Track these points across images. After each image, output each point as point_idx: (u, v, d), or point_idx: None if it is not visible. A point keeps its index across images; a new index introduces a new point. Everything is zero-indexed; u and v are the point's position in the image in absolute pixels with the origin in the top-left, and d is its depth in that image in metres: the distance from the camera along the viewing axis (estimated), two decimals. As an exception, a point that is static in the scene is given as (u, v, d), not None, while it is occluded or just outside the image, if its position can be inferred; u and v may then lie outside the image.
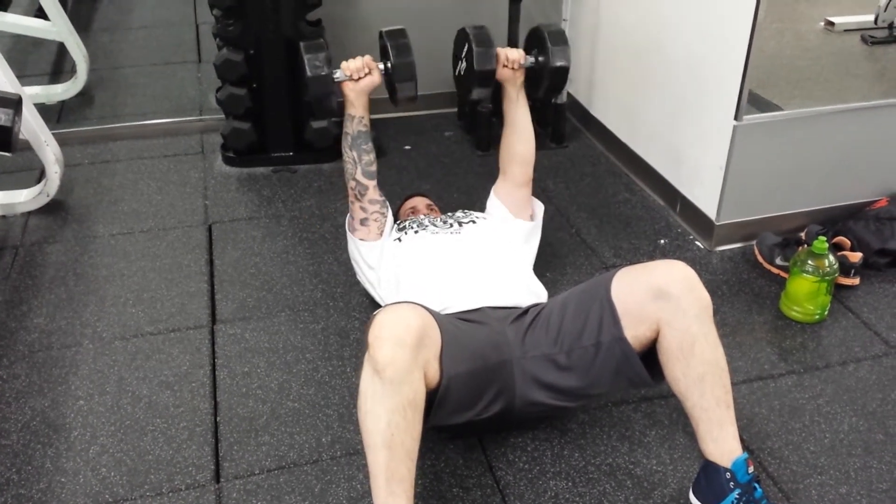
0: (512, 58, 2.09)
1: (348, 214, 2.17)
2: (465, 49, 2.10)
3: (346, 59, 2.01)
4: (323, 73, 1.96)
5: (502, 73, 2.11)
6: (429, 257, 2.02)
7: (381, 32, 2.09)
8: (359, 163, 2.06)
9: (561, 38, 2.09)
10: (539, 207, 2.28)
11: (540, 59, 2.10)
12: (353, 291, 2.29)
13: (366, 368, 1.46)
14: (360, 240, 2.14)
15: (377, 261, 2.12)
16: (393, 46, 2.03)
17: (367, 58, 2.04)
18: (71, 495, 1.70)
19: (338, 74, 2.00)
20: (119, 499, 1.69)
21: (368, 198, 2.09)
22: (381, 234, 2.13)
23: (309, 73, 1.95)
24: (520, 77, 2.13)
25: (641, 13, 2.80)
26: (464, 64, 2.12)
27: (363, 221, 2.12)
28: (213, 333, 2.17)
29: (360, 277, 2.22)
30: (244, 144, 2.98)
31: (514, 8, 3.06)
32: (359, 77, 2.02)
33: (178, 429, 1.86)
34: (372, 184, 2.09)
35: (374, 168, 2.09)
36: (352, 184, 2.10)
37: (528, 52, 2.13)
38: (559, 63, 2.07)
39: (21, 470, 1.75)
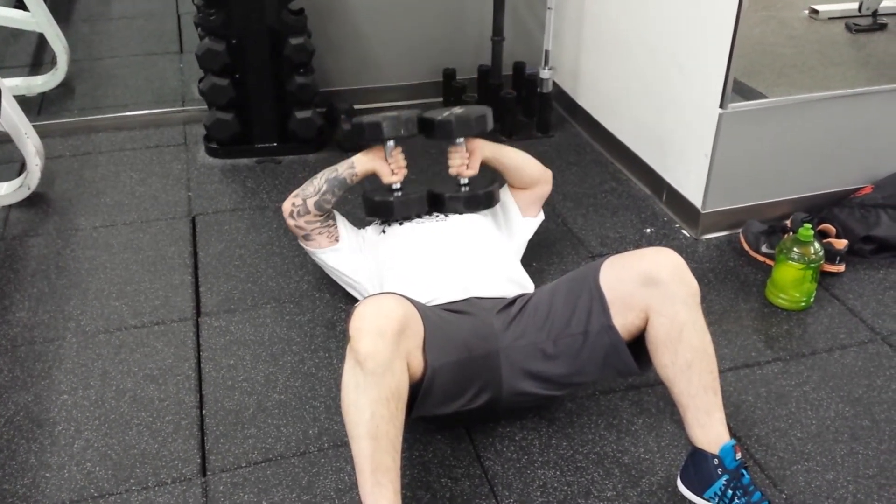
0: (459, 162, 2.10)
1: None
2: (438, 199, 2.12)
3: (394, 113, 2.05)
4: (390, 129, 2.01)
5: (473, 168, 2.11)
6: (414, 246, 2.01)
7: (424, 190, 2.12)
8: (319, 194, 2.05)
9: (441, 126, 2.08)
10: (542, 212, 2.32)
11: (458, 140, 2.09)
12: (338, 283, 2.28)
13: (348, 360, 1.46)
14: (315, 250, 2.13)
15: (347, 263, 2.12)
16: (415, 201, 2.09)
17: (405, 173, 2.09)
18: (56, 490, 1.68)
19: (390, 144, 2.05)
20: (104, 493, 1.68)
21: (305, 219, 2.07)
22: (335, 240, 2.11)
23: (382, 118, 2.02)
24: (478, 150, 2.12)
25: (627, 1, 2.80)
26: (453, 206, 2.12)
27: (306, 237, 2.12)
28: (197, 326, 2.15)
29: (340, 283, 2.21)
30: (227, 135, 2.96)
31: (498, -3, 3.06)
32: (390, 163, 2.05)
33: (163, 422, 1.85)
34: (316, 213, 2.06)
35: (328, 207, 2.07)
36: (297, 202, 2.07)
37: (445, 138, 2.11)
38: (471, 118, 2.07)
39: (5, 465, 1.73)
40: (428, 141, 2.14)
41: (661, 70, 2.62)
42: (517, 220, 2.25)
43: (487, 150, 2.14)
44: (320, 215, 2.07)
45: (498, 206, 2.23)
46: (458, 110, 2.13)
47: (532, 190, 2.26)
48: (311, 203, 2.05)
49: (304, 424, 1.84)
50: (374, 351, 1.42)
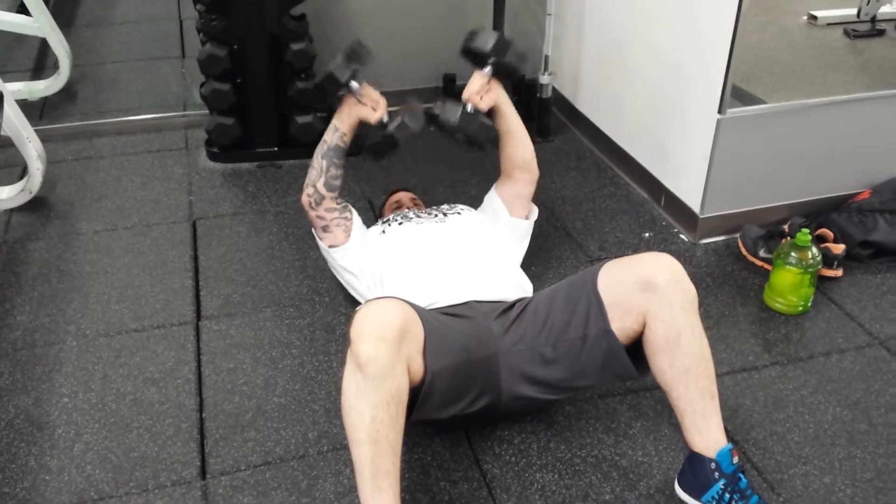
0: (476, 89, 2.04)
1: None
2: (448, 124, 2.05)
3: (337, 57, 2.00)
4: (347, 67, 1.96)
5: (486, 104, 2.06)
6: (414, 248, 2.01)
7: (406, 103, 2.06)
8: (324, 173, 2.05)
9: (485, 36, 2.05)
10: (535, 210, 2.29)
11: (491, 60, 2.05)
12: (338, 287, 2.28)
13: (348, 364, 1.46)
14: (330, 246, 2.13)
15: (354, 263, 2.11)
16: (407, 115, 2.02)
17: (384, 102, 2.04)
18: (56, 493, 1.69)
19: (354, 84, 1.99)
20: (104, 496, 1.68)
21: (325, 206, 2.08)
22: (348, 237, 2.11)
23: (337, 58, 1.96)
24: (498, 90, 2.09)
25: (626, 7, 2.81)
26: (461, 136, 2.06)
27: (325, 228, 2.11)
28: (198, 330, 2.16)
29: (342, 281, 2.21)
30: (228, 140, 2.97)
31: (499, 0, 3.06)
32: (364, 102, 2.02)
33: (163, 425, 1.85)
34: (330, 195, 2.07)
35: (338, 182, 2.07)
36: (310, 191, 2.08)
37: (477, 65, 2.08)
38: (505, 52, 2.03)
39: (5, 469, 1.74)
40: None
41: (661, 76, 2.63)
42: (505, 220, 2.22)
43: (503, 98, 2.11)
44: (335, 199, 2.07)
45: (485, 203, 2.23)
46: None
47: (516, 179, 2.21)
48: (321, 186, 2.05)
49: (303, 428, 1.85)
50: (375, 355, 1.43)
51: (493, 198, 2.25)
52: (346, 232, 2.11)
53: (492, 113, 2.11)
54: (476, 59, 2.06)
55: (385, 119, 2.03)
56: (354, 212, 2.15)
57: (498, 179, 2.27)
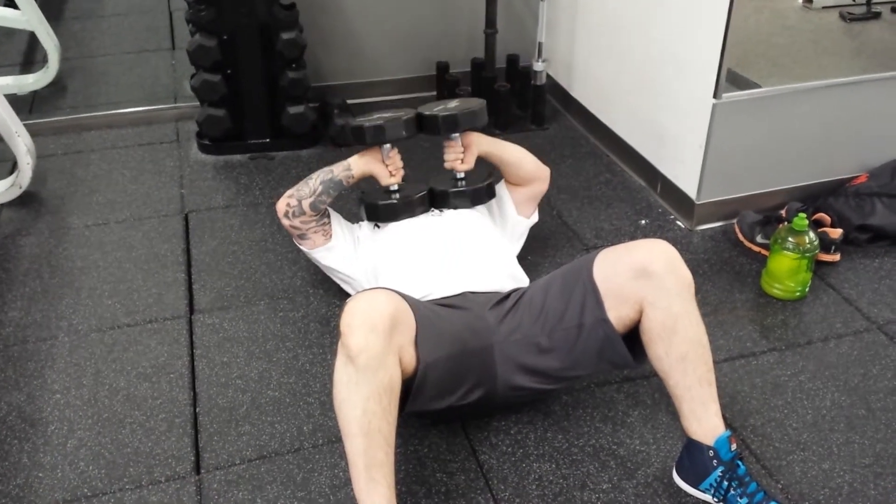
0: (454, 157, 2.08)
1: None
2: (439, 196, 2.11)
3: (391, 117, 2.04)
4: (392, 128, 2.01)
5: (469, 163, 2.09)
6: (409, 241, 2.00)
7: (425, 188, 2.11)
8: (314, 195, 2.02)
9: (447, 121, 2.06)
10: (536, 214, 2.30)
11: (452, 136, 2.08)
12: (332, 279, 2.27)
13: (339, 356, 1.45)
14: (310, 250, 2.11)
15: (341, 261, 2.10)
16: (415, 201, 2.07)
17: (402, 174, 2.08)
18: (49, 490, 1.67)
19: (388, 146, 2.04)
20: (98, 492, 1.67)
21: (301, 220, 2.04)
22: (329, 237, 2.09)
23: (367, 124, 2.01)
24: (473, 144, 2.09)
25: (619, -8, 2.79)
26: (452, 201, 2.11)
27: (302, 236, 2.09)
28: (191, 323, 2.14)
29: (334, 279, 2.20)
30: (220, 132, 2.95)
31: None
32: (387, 164, 2.04)
33: (156, 420, 1.84)
34: (311, 213, 2.03)
35: (323, 207, 2.05)
36: (292, 202, 2.03)
37: (442, 134, 2.10)
38: (465, 112, 2.06)
39: (-3, 466, 1.73)
40: (421, 135, 2.12)
41: (655, 61, 2.61)
42: (511, 216, 2.23)
43: (484, 144, 2.12)
44: (315, 215, 2.05)
45: (494, 200, 2.22)
46: (452, 104, 2.12)
47: (528, 187, 2.23)
48: (306, 204, 2.02)
49: (298, 421, 1.84)
50: (366, 346, 1.41)
51: (502, 195, 2.24)
52: (324, 235, 2.09)
53: (480, 158, 2.13)
54: (433, 130, 2.08)
55: (393, 188, 2.06)
56: (332, 211, 2.13)
57: (507, 179, 2.27)
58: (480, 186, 2.11)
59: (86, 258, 2.41)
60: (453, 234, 2.01)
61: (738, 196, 2.53)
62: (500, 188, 2.25)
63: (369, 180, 2.09)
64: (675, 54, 2.49)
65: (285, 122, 2.96)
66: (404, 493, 1.65)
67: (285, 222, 2.07)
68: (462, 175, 2.10)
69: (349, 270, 2.10)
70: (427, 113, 2.08)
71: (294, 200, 2.03)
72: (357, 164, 2.05)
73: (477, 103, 2.11)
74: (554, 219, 2.60)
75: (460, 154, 2.09)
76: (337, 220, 2.12)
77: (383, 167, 2.05)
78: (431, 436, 1.80)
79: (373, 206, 2.08)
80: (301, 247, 2.13)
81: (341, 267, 2.10)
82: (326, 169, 2.06)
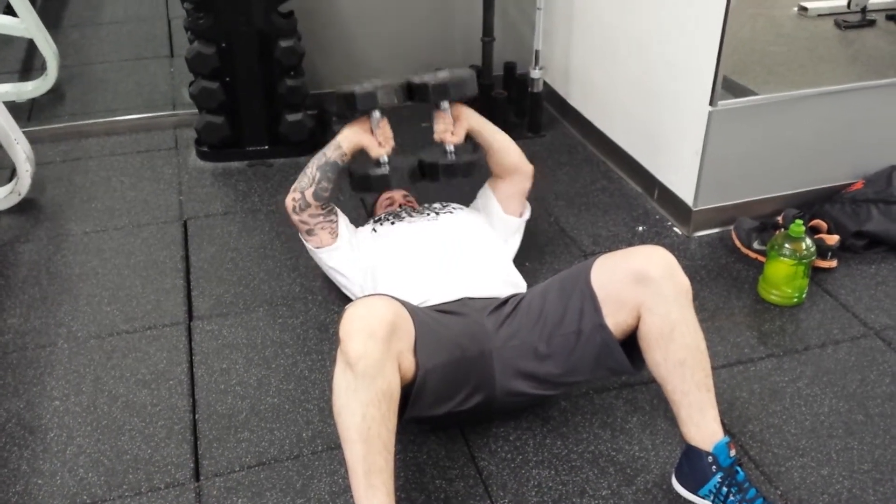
0: (444, 128, 2.03)
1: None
2: (429, 167, 2.06)
3: (372, 83, 1.98)
4: (376, 97, 1.94)
5: (459, 136, 2.05)
6: (406, 246, 2.00)
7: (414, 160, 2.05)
8: (315, 184, 2.01)
9: (437, 89, 2.02)
10: (528, 208, 2.28)
11: (442, 104, 2.03)
12: (331, 285, 2.27)
13: (338, 363, 1.45)
14: (316, 248, 2.11)
15: (344, 262, 2.10)
16: (406, 171, 2.01)
17: (392, 144, 2.03)
18: (48, 497, 1.67)
19: (376, 114, 1.98)
20: (97, 499, 1.67)
21: (308, 212, 2.04)
22: (335, 237, 2.09)
23: (371, 85, 1.95)
24: (464, 117, 2.07)
25: (616, 0, 2.80)
26: (442, 174, 2.05)
27: (309, 232, 2.09)
28: (190, 330, 2.14)
29: (334, 281, 2.20)
30: (218, 139, 2.95)
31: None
32: (376, 135, 2.00)
33: (156, 427, 1.84)
34: (316, 204, 2.03)
35: (327, 194, 2.03)
36: (296, 196, 2.04)
37: (433, 102, 2.05)
38: (455, 80, 2.02)
39: (-4, 473, 1.73)
40: (412, 109, 2.06)
41: (651, 68, 2.62)
42: (498, 216, 2.22)
43: (473, 120, 2.09)
44: (321, 206, 2.04)
45: (479, 199, 2.21)
46: (441, 73, 2.06)
47: (510, 180, 2.20)
48: (309, 195, 2.02)
49: (297, 427, 1.84)
50: (365, 352, 1.42)
51: (486, 194, 2.24)
52: (331, 234, 2.09)
53: (468, 134, 2.09)
54: (422, 98, 2.03)
55: (384, 160, 2.02)
56: (340, 212, 2.13)
57: (491, 177, 2.26)
58: (472, 159, 2.04)
59: (85, 265, 2.41)
60: (450, 240, 2.01)
61: (735, 202, 2.54)
62: (483, 191, 2.25)
63: (358, 156, 2.04)
64: (672, 62, 2.50)
65: (283, 129, 2.96)
66: (404, 500, 1.65)
67: (294, 218, 2.06)
68: (451, 148, 2.04)
69: (351, 273, 2.09)
70: (417, 81, 2.03)
71: (297, 194, 2.04)
72: (346, 138, 2.02)
73: (468, 73, 2.06)
74: (552, 225, 2.60)
75: (450, 126, 2.04)
76: (344, 222, 2.12)
77: (372, 138, 2.00)
78: (430, 442, 1.80)
79: (363, 176, 2.01)
80: (308, 244, 2.12)
81: (344, 269, 2.10)
82: (319, 154, 2.05)
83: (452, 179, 2.04)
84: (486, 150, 2.16)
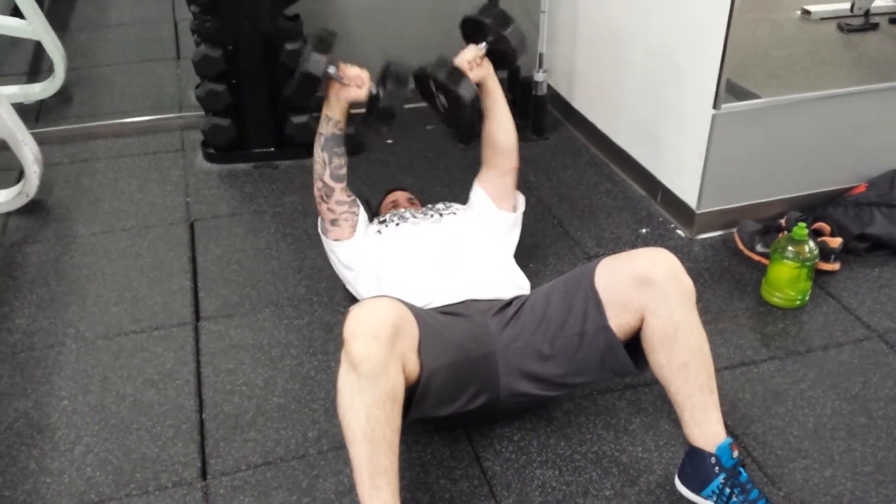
0: (470, 57, 2.05)
1: (319, 217, 2.16)
2: (434, 85, 2.05)
3: (305, 52, 1.97)
4: (320, 59, 1.92)
5: (475, 76, 2.05)
6: (410, 248, 2.01)
7: (386, 63, 2.03)
8: (328, 165, 2.04)
9: (489, 9, 2.05)
10: (521, 200, 2.28)
11: (489, 38, 2.05)
12: (336, 286, 2.28)
13: (343, 364, 1.46)
14: (335, 240, 2.12)
15: (354, 260, 2.11)
16: (391, 80, 1.98)
17: (365, 73, 2.01)
18: (56, 496, 1.69)
19: (332, 70, 1.95)
20: (105, 498, 1.68)
21: (335, 199, 2.07)
22: (354, 232, 2.11)
23: (306, 53, 1.93)
24: (488, 68, 2.10)
25: (620, 3, 2.81)
26: (442, 98, 2.05)
27: (333, 222, 2.11)
28: (196, 330, 2.16)
29: (342, 279, 2.21)
30: (224, 141, 2.97)
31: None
32: (347, 84, 1.98)
33: (163, 427, 1.85)
34: (339, 186, 2.06)
35: (343, 171, 2.06)
36: (319, 185, 2.07)
37: (472, 41, 2.07)
38: (506, 27, 2.03)
39: (5, 472, 1.74)
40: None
41: (655, 72, 2.64)
42: (493, 213, 2.21)
43: (492, 79, 2.11)
44: (344, 188, 2.07)
45: (471, 199, 2.23)
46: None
47: (495, 165, 2.20)
48: (328, 178, 2.04)
49: (303, 427, 1.85)
50: (368, 354, 1.43)
51: (477, 192, 2.24)
52: (352, 227, 2.11)
53: (481, 90, 2.09)
54: (475, 30, 2.03)
55: (374, 91, 1.99)
56: (361, 207, 2.15)
57: (479, 173, 2.26)
58: (468, 88, 1.99)
59: (92, 266, 2.42)
60: (454, 242, 2.01)
61: (738, 205, 2.55)
62: (473, 190, 2.25)
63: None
64: (676, 65, 2.51)
65: (289, 131, 2.98)
66: (408, 500, 1.66)
67: (322, 207, 2.09)
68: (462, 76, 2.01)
69: (359, 270, 2.10)
70: (474, 15, 2.04)
71: (319, 182, 2.07)
72: (330, 108, 2.01)
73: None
74: (555, 227, 2.62)
75: (475, 61, 2.04)
76: (362, 216, 2.14)
77: (349, 89, 1.99)
78: (435, 443, 1.81)
79: (371, 114, 1.99)
80: (328, 237, 2.14)
81: (354, 265, 2.11)
82: (317, 136, 2.06)
83: (447, 98, 2.00)
84: (487, 116, 2.16)
